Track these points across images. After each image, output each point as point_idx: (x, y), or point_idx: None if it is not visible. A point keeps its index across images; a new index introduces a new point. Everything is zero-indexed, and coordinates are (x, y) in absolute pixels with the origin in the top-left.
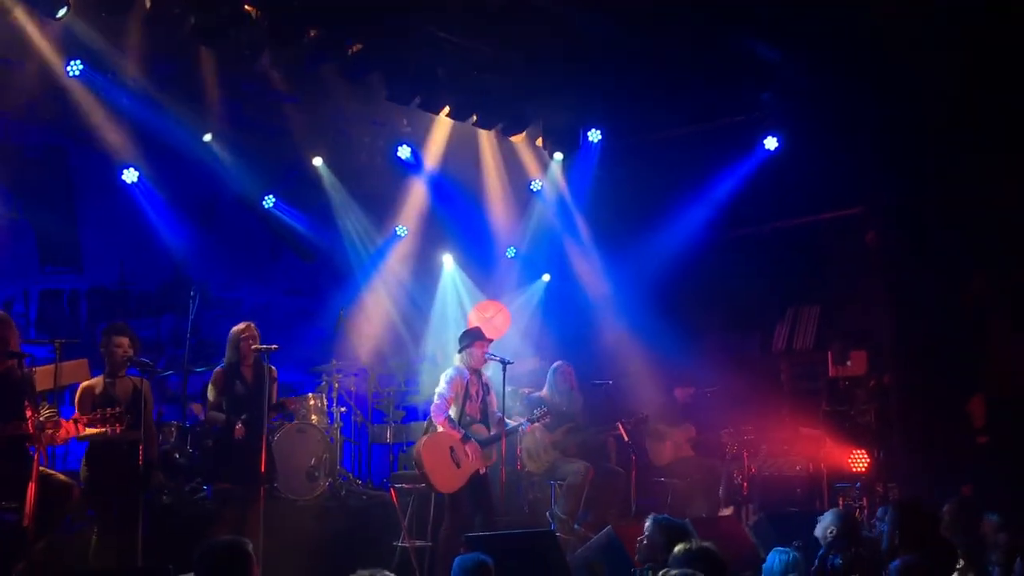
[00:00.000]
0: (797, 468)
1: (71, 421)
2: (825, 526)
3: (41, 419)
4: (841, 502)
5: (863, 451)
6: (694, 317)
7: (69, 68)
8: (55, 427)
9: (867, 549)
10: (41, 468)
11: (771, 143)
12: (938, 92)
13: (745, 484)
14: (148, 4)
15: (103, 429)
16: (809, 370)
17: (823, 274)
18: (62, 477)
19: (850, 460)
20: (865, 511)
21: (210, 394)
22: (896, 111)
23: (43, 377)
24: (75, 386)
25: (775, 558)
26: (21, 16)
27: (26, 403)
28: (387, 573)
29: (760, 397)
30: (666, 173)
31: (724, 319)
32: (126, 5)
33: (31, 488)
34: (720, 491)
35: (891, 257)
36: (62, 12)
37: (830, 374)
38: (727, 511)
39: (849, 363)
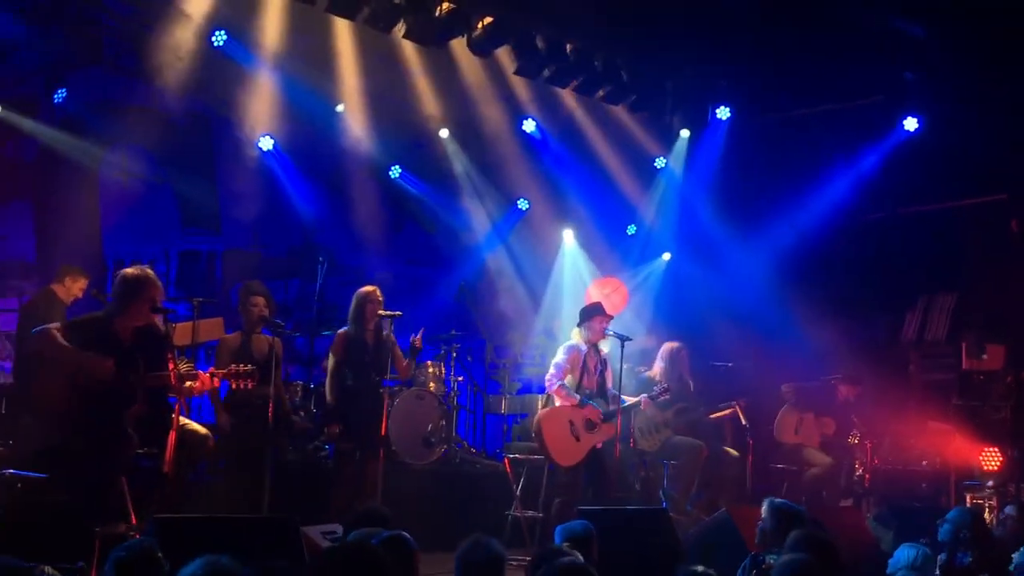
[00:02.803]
0: (923, 463)
1: (207, 374)
2: (954, 525)
3: (181, 372)
4: (969, 500)
5: (996, 449)
6: (820, 303)
7: (214, 38)
8: (192, 379)
9: (996, 549)
10: (180, 418)
11: (911, 124)
12: None
13: (867, 476)
14: None
15: (235, 383)
16: (940, 362)
17: (960, 262)
18: (199, 427)
19: (981, 458)
20: (995, 511)
21: (330, 358)
22: None
23: (181, 333)
24: (210, 343)
25: (904, 552)
26: None
27: (169, 356)
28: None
29: (886, 387)
30: (797, 153)
31: (852, 306)
32: None
33: (172, 436)
34: (840, 481)
35: None
36: None
37: (963, 367)
38: (847, 502)
39: (985, 357)
